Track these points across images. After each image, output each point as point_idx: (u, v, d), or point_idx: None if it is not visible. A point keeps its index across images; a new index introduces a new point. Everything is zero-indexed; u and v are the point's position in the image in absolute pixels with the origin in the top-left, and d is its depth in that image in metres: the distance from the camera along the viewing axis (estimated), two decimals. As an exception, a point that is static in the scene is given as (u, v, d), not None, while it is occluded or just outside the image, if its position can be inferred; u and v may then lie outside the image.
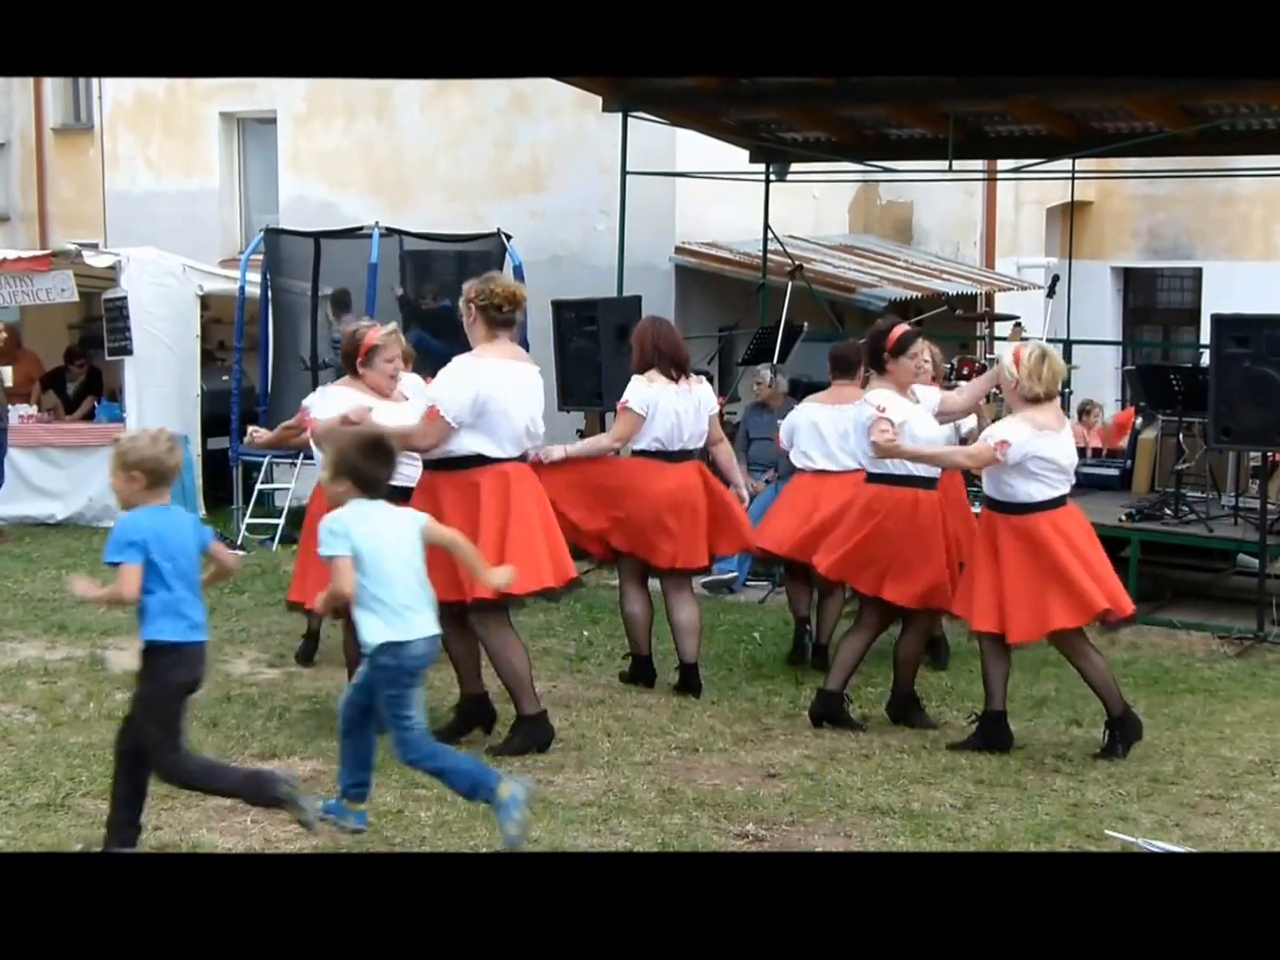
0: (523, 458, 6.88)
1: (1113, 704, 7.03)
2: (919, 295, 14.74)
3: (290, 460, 12.33)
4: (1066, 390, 12.32)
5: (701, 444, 8.08)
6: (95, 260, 12.98)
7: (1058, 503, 6.95)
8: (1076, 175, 14.01)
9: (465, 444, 6.64)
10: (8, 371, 13.10)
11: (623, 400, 7.89)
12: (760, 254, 13.83)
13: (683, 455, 7.94)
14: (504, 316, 6.73)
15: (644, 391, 7.86)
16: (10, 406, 12.69)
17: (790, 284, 11.55)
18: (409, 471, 6.77)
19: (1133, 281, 20.04)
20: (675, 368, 7.90)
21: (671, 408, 7.87)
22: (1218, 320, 9.77)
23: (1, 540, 12.01)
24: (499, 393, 6.62)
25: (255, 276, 12.96)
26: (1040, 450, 6.79)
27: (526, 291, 6.85)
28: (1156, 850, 4.99)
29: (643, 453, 7.95)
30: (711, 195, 14.63)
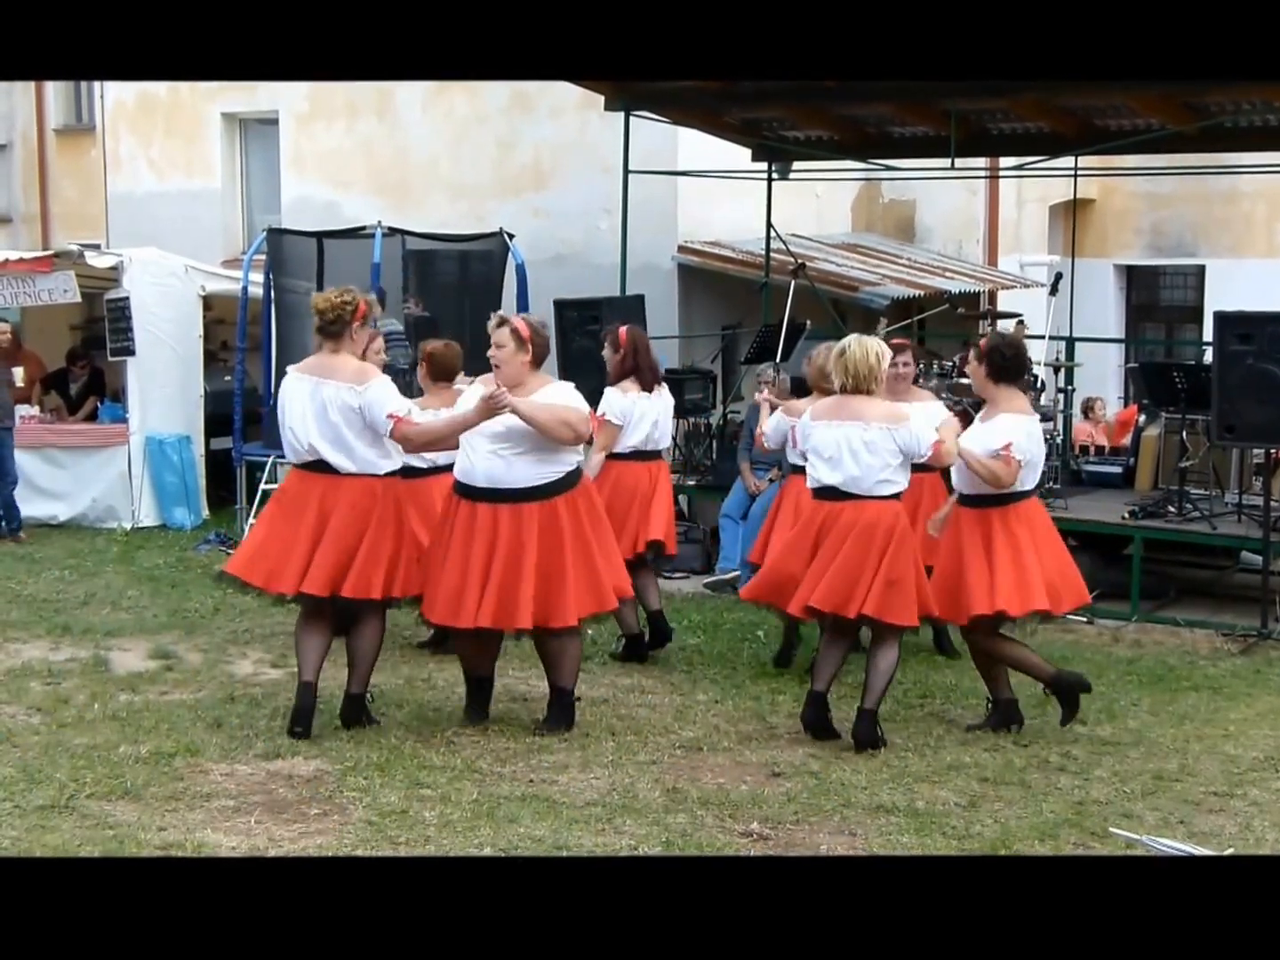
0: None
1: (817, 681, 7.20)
2: (921, 293, 14.73)
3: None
4: (1070, 388, 12.33)
5: (669, 441, 8.94)
6: (97, 261, 12.98)
7: (817, 492, 7.06)
8: (1079, 173, 14.01)
9: None
10: (19, 372, 13.11)
11: (600, 413, 8.35)
12: (763, 253, 13.82)
13: (655, 454, 8.68)
14: (319, 324, 6.95)
15: (620, 402, 8.50)
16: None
17: (793, 282, 11.53)
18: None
19: (1135, 279, 20.02)
20: (654, 380, 8.63)
21: (650, 416, 8.57)
22: (1220, 317, 9.76)
23: (17, 541, 12.03)
24: (280, 401, 7.07)
25: (258, 276, 12.96)
26: (806, 435, 7.06)
27: (336, 298, 6.97)
28: (1161, 847, 4.99)
29: (618, 456, 8.52)
30: (714, 194, 14.63)
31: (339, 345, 6.89)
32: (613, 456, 8.51)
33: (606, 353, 8.76)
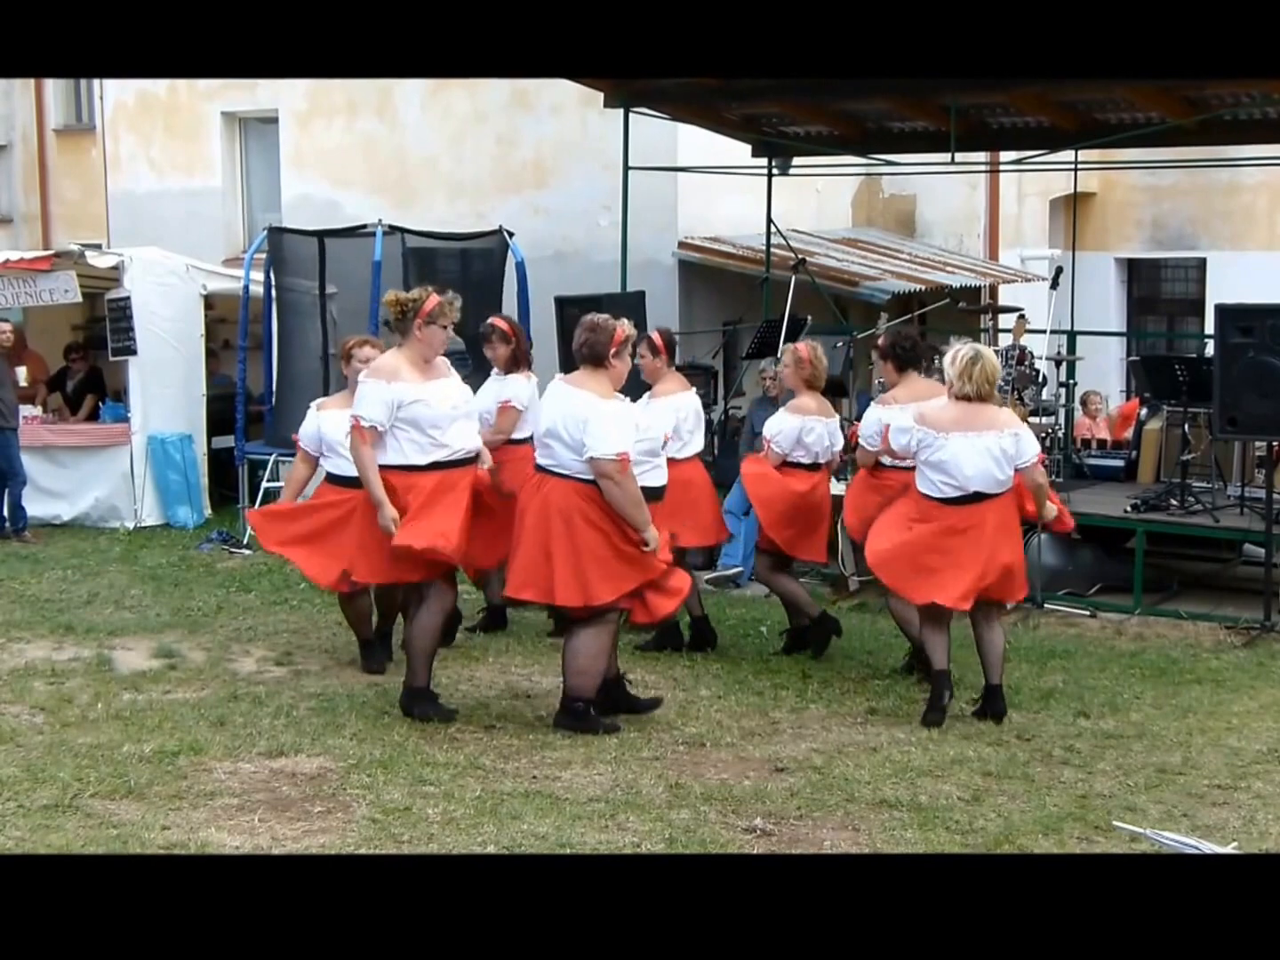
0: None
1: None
2: (922, 288, 14.73)
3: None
4: (1071, 382, 12.34)
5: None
6: (98, 261, 12.98)
7: (953, 500, 7.25)
8: (1079, 166, 13.99)
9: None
10: (22, 372, 13.12)
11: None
12: (763, 248, 13.82)
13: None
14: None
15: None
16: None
17: (794, 278, 11.54)
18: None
19: (1137, 272, 20.01)
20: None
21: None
22: (1222, 310, 9.75)
23: (23, 542, 12.04)
24: None
25: (259, 275, 12.95)
26: (933, 445, 7.24)
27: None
28: (1165, 841, 4.99)
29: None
30: (714, 190, 14.63)
31: (405, 341, 7.10)
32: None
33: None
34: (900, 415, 7.75)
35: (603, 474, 6.77)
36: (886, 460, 8.01)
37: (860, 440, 8.21)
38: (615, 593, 6.90)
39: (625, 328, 7.08)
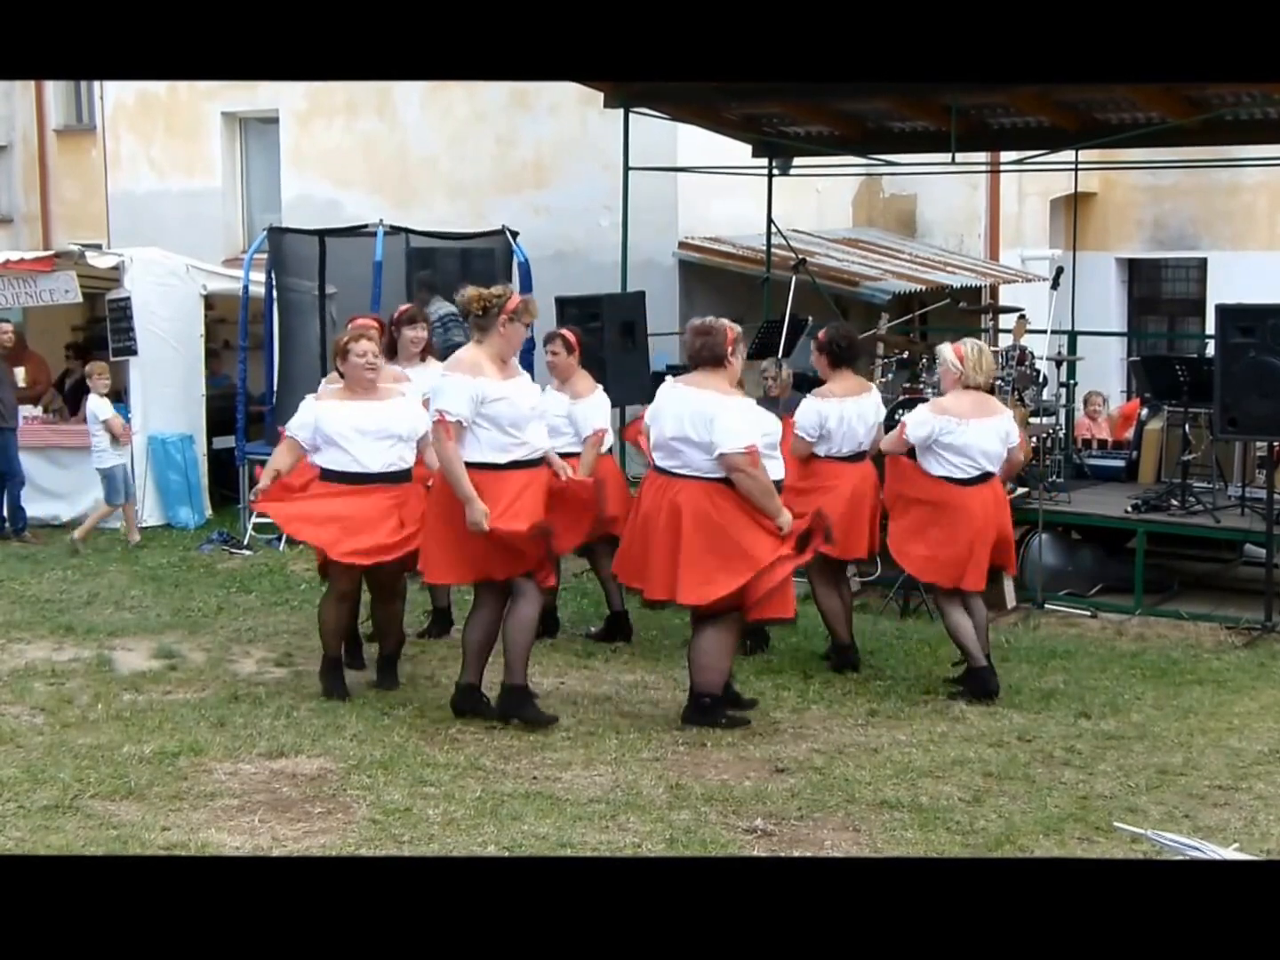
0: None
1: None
2: (923, 288, 14.73)
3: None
4: (1072, 382, 12.35)
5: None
6: (98, 261, 12.99)
7: (969, 480, 7.87)
8: (1080, 166, 13.99)
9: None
10: (21, 373, 13.12)
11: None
12: (764, 248, 13.82)
13: None
14: (472, 318, 7.13)
15: None
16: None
17: (794, 278, 11.53)
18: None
19: (1137, 272, 20.01)
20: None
21: None
22: (1222, 310, 9.75)
23: (23, 542, 12.05)
24: None
25: (259, 275, 12.95)
26: (955, 430, 7.81)
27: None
28: (1166, 842, 4.98)
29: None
30: (714, 190, 14.63)
31: (483, 337, 7.02)
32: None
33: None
34: (838, 408, 8.31)
35: (734, 468, 6.90)
36: (820, 451, 8.39)
37: (797, 431, 8.32)
38: (732, 585, 6.98)
39: (733, 326, 7.19)
